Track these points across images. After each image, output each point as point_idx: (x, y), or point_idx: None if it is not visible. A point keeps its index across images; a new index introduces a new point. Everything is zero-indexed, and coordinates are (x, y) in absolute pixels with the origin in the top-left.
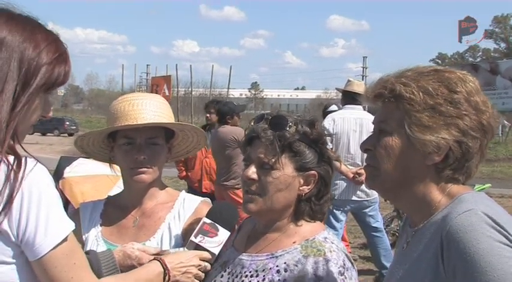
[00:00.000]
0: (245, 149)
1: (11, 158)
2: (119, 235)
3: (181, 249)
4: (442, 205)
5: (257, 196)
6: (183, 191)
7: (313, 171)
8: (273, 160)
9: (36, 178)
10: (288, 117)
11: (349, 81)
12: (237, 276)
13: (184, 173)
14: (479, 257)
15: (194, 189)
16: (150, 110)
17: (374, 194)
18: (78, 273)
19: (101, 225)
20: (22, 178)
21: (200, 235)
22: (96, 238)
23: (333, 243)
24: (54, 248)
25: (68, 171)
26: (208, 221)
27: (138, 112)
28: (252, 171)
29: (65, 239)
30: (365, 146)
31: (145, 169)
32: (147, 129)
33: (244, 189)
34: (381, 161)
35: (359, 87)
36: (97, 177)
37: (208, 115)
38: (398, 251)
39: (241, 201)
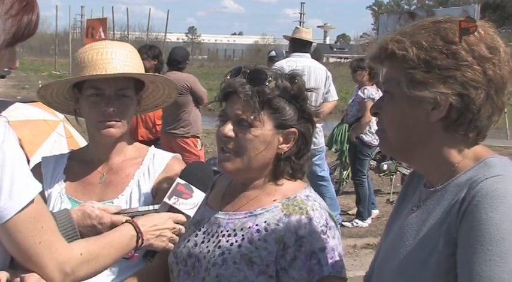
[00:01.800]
0: (221, 105)
1: None
2: (85, 192)
3: (151, 207)
4: (465, 167)
5: (233, 154)
6: (152, 147)
7: (293, 129)
8: (252, 117)
9: None
10: (267, 72)
11: (296, 28)
12: (213, 236)
13: None
14: (485, 226)
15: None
16: (120, 59)
17: (321, 143)
18: (47, 238)
19: (64, 181)
20: None
21: (174, 196)
22: (59, 195)
23: (315, 201)
24: (19, 211)
25: (4, 116)
26: (182, 181)
27: (107, 61)
28: (229, 129)
29: (32, 201)
30: (373, 110)
31: (114, 122)
32: (117, 80)
33: (219, 147)
34: (386, 124)
35: (307, 34)
36: (35, 122)
37: None
38: (403, 211)
39: (190, 149)
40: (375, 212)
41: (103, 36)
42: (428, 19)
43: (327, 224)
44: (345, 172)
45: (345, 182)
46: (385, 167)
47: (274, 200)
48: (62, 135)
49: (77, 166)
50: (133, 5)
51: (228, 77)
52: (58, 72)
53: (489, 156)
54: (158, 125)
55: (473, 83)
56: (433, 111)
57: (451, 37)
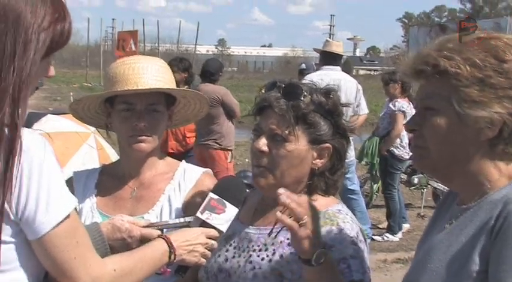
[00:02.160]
0: (255, 119)
1: (10, 130)
2: (116, 207)
3: (182, 219)
4: (500, 185)
5: (267, 170)
6: (183, 161)
7: (327, 144)
8: (287, 132)
9: (37, 151)
10: (302, 86)
11: (327, 41)
12: (243, 251)
13: None
14: None
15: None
16: (152, 74)
17: (351, 156)
18: (82, 253)
19: (95, 196)
20: (21, 151)
21: (207, 211)
22: (91, 209)
23: (347, 215)
24: (56, 226)
25: (37, 128)
26: (215, 196)
27: (139, 76)
28: (263, 143)
29: (68, 216)
30: (410, 126)
31: (145, 137)
32: (148, 95)
33: (253, 162)
34: (429, 140)
35: (338, 47)
36: (67, 134)
37: None
38: (435, 230)
39: (220, 161)
40: (406, 226)
41: (134, 48)
42: (470, 35)
43: (358, 236)
44: (375, 185)
45: (375, 196)
46: (416, 180)
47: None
48: (92, 147)
49: (108, 181)
50: (164, 18)
51: (263, 91)
52: (89, 84)
53: None
54: (188, 137)
55: None
56: (484, 130)
57: (502, 55)
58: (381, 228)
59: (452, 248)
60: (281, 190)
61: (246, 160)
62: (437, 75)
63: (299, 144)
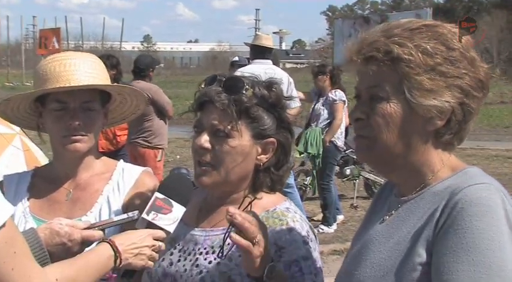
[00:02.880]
0: (195, 115)
1: None
2: (50, 210)
3: (125, 215)
4: (443, 176)
5: (210, 168)
6: (121, 161)
7: (271, 139)
8: (229, 127)
9: None
10: (244, 79)
11: (257, 35)
12: (189, 254)
13: None
14: (470, 234)
15: None
16: (85, 70)
17: None
18: (20, 264)
19: (28, 200)
20: None
21: (153, 212)
22: (23, 214)
23: (295, 213)
24: None
25: None
26: (161, 196)
27: (71, 73)
28: (205, 140)
29: (3, 226)
30: (356, 115)
31: (79, 137)
32: (82, 92)
33: (195, 160)
34: (378, 130)
35: (267, 41)
36: None
37: None
38: (372, 223)
39: (149, 160)
40: (340, 218)
41: (57, 46)
42: (414, 22)
43: (308, 235)
44: (308, 178)
45: (308, 188)
46: (348, 171)
47: None
48: (18, 149)
49: (41, 183)
50: (87, 15)
51: (203, 86)
52: (11, 84)
53: (467, 167)
54: (119, 135)
55: (473, 91)
56: (433, 119)
57: (450, 43)
58: (315, 221)
59: (393, 239)
60: (231, 209)
61: (178, 157)
62: (389, 62)
63: (242, 139)
